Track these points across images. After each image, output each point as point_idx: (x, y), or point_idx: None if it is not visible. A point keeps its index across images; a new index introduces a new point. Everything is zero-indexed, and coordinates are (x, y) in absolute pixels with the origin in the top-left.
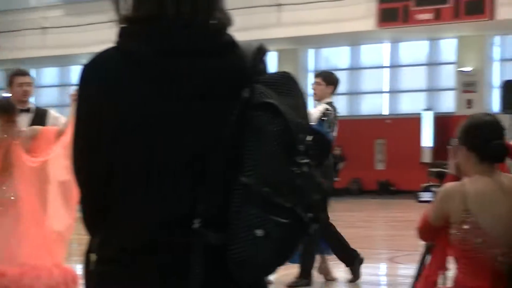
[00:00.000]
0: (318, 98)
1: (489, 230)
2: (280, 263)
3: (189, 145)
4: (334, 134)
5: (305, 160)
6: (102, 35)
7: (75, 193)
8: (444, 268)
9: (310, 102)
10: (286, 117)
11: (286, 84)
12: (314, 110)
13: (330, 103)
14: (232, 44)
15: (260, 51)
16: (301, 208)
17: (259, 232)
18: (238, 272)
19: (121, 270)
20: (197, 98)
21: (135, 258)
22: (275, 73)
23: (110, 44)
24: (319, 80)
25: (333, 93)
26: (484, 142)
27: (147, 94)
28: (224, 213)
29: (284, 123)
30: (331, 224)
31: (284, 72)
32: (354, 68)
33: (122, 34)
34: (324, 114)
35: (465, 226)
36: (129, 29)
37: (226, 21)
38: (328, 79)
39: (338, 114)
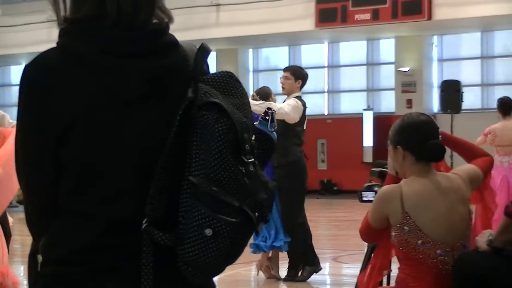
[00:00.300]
0: (287, 92)
1: (429, 231)
2: (229, 262)
3: (135, 145)
4: (304, 127)
5: (251, 159)
6: (40, 35)
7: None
8: (387, 268)
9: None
10: (232, 116)
11: (229, 83)
12: (284, 104)
13: (299, 97)
14: (174, 44)
15: (203, 51)
16: (249, 207)
17: (207, 232)
18: (189, 272)
19: (70, 271)
20: (142, 98)
21: (84, 260)
22: (217, 73)
23: (48, 44)
24: (287, 74)
25: (301, 87)
26: (420, 142)
27: (92, 95)
28: (172, 213)
29: (229, 122)
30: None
31: (226, 72)
32: None
33: (65, 34)
34: (267, 113)
35: (405, 228)
36: (72, 29)
37: (167, 21)
38: (296, 73)
39: (306, 106)
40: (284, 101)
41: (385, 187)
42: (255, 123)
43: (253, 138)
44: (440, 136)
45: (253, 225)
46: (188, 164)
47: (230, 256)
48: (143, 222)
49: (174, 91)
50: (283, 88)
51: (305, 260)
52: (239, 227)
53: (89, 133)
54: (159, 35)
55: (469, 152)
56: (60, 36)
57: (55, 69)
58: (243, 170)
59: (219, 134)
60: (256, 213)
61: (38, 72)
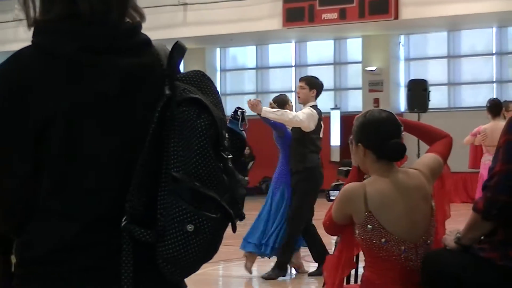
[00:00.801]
0: (302, 102)
1: (392, 230)
2: (207, 258)
3: (114, 143)
4: (321, 135)
5: (230, 156)
6: (7, 34)
7: None
8: (352, 265)
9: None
10: (213, 112)
11: (202, 82)
12: (299, 112)
13: (314, 106)
14: (147, 43)
15: (179, 49)
16: (227, 203)
17: (189, 227)
18: (168, 269)
19: (46, 271)
20: (119, 95)
21: (62, 259)
22: (190, 72)
23: (15, 43)
24: (302, 84)
25: (316, 97)
26: (380, 141)
27: (71, 92)
28: (152, 210)
29: (211, 118)
30: (313, 225)
31: (199, 71)
32: (262, 68)
33: (40, 32)
34: (237, 113)
35: (369, 227)
36: (48, 27)
37: (140, 20)
38: (311, 83)
39: (322, 115)
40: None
41: (348, 186)
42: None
43: (227, 135)
44: (402, 133)
45: (231, 220)
46: (166, 160)
47: (209, 252)
48: (123, 219)
49: (149, 88)
50: (298, 97)
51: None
52: (219, 223)
53: (69, 131)
54: (133, 34)
55: (428, 135)
56: (35, 35)
57: (32, 69)
58: (222, 167)
59: (201, 130)
60: (232, 210)
61: (14, 71)
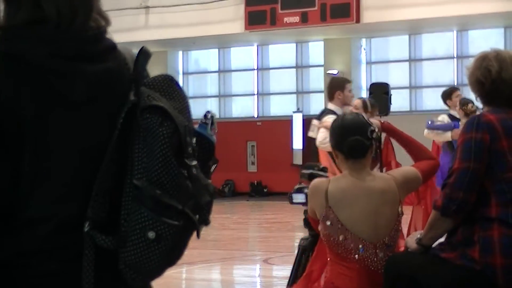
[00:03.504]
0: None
1: (350, 227)
2: (170, 264)
3: (80, 147)
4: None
5: (194, 163)
6: None
7: None
8: (326, 263)
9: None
10: (175, 120)
11: (170, 87)
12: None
13: None
14: (113, 47)
15: (145, 55)
16: (191, 210)
17: (151, 235)
18: (130, 275)
19: (14, 274)
20: (86, 101)
21: (28, 263)
22: (158, 76)
23: None
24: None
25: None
26: (340, 139)
27: (40, 98)
28: (115, 216)
29: (173, 125)
30: None
31: (167, 75)
32: (224, 71)
33: (7, 38)
34: (206, 117)
35: (328, 222)
36: (15, 33)
37: (105, 24)
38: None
39: None
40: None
41: (314, 181)
42: (195, 126)
43: (194, 141)
44: (370, 132)
45: (195, 227)
46: (130, 167)
47: (171, 259)
48: (86, 225)
49: (116, 94)
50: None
51: None
52: (181, 230)
53: (36, 137)
54: (100, 39)
55: (416, 152)
56: (1, 41)
57: (1, 75)
58: (186, 173)
59: (163, 137)
60: (197, 216)
61: None
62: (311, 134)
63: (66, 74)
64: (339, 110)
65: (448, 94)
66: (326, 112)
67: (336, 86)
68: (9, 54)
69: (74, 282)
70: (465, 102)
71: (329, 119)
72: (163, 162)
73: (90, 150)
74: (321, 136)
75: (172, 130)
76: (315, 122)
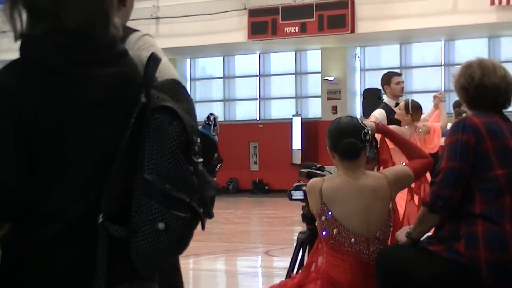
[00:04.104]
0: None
1: (343, 222)
2: (177, 254)
3: (95, 145)
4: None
5: (200, 160)
6: None
7: None
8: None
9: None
10: (183, 120)
11: (177, 90)
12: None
13: None
14: (125, 53)
15: (155, 61)
16: (196, 203)
17: (160, 226)
18: (140, 263)
19: (31, 264)
20: (102, 103)
21: (44, 255)
22: (165, 80)
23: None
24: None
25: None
26: (336, 142)
27: (56, 100)
28: (126, 208)
29: (181, 125)
30: None
31: (173, 79)
32: (228, 77)
33: (28, 45)
34: (209, 119)
35: (323, 218)
36: (35, 41)
37: (117, 33)
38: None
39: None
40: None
41: (311, 181)
42: (199, 127)
43: (199, 140)
44: (364, 134)
45: (200, 220)
46: (140, 163)
47: (178, 248)
48: (100, 216)
49: (128, 96)
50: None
51: None
52: (188, 222)
53: (54, 136)
54: (113, 45)
55: (409, 152)
56: (23, 48)
57: (21, 80)
58: (192, 169)
59: (172, 136)
60: (202, 209)
61: (5, 82)
62: None
63: (83, 78)
64: (391, 102)
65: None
66: (381, 105)
67: (384, 81)
68: (29, 60)
69: (87, 272)
70: (460, 111)
71: (375, 113)
72: (172, 158)
73: (103, 149)
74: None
75: (181, 129)
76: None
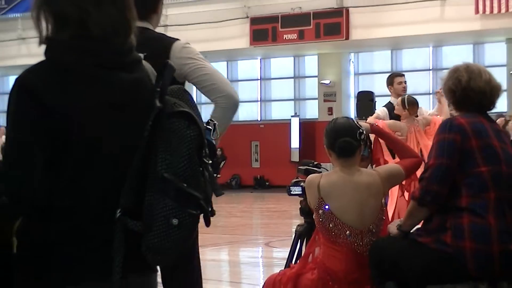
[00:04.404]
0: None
1: (339, 216)
2: (185, 248)
3: (115, 146)
4: None
5: (210, 161)
6: (10, 51)
7: None
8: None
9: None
10: (199, 124)
11: (184, 96)
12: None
13: None
14: (139, 61)
15: (170, 69)
16: (204, 201)
17: (174, 221)
18: (151, 255)
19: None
20: (119, 105)
21: (61, 247)
22: (174, 87)
23: (19, 59)
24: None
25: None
26: (332, 141)
27: (82, 101)
28: (140, 204)
29: (197, 129)
30: None
31: (180, 86)
32: (231, 81)
33: (55, 49)
34: (209, 124)
35: (320, 211)
36: (63, 45)
37: (135, 40)
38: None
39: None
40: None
41: (309, 177)
42: None
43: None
44: (359, 134)
45: (207, 217)
46: (153, 163)
47: (186, 243)
48: (117, 212)
49: (142, 100)
50: (404, 89)
51: None
52: (197, 219)
53: (77, 133)
54: (132, 52)
55: (401, 151)
56: (50, 51)
57: (49, 80)
58: (203, 170)
59: (190, 139)
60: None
61: (34, 81)
62: None
63: (105, 81)
64: (395, 101)
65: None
66: (386, 104)
67: (388, 82)
68: (55, 62)
69: (101, 265)
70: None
71: (378, 111)
72: (188, 159)
73: (119, 147)
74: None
75: (197, 133)
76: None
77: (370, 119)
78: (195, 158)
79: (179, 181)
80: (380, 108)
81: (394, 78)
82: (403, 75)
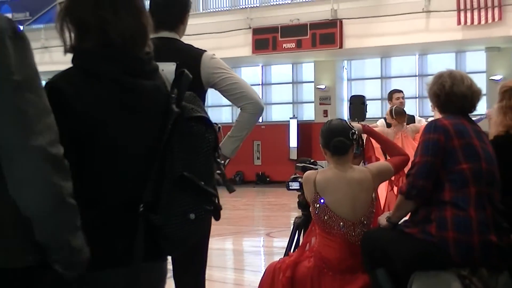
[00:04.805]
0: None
1: (334, 209)
2: (197, 240)
3: (137, 146)
4: None
5: (223, 161)
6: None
7: None
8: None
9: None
10: (215, 128)
11: (197, 101)
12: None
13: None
14: (156, 69)
15: (186, 78)
16: (217, 198)
17: (191, 216)
18: (167, 246)
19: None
20: (141, 109)
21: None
22: (187, 93)
23: (41, 66)
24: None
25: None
26: (327, 140)
27: (108, 104)
28: (159, 199)
29: (214, 132)
30: None
31: (191, 93)
32: None
33: (82, 56)
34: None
35: (316, 205)
36: (89, 53)
37: (151, 51)
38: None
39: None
40: None
41: (306, 173)
42: None
43: None
44: (351, 134)
45: (217, 212)
46: (170, 162)
47: (199, 235)
48: (140, 206)
49: (159, 104)
50: (401, 103)
51: None
52: (210, 214)
53: (102, 132)
54: (151, 61)
55: (390, 150)
56: (77, 58)
57: (78, 85)
58: (216, 169)
59: (208, 141)
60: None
61: (63, 86)
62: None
63: (131, 87)
64: None
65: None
66: (384, 118)
67: (388, 97)
68: (82, 69)
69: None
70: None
71: (378, 123)
72: (206, 160)
73: (139, 147)
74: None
75: (214, 136)
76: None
77: (354, 124)
78: (212, 158)
79: (197, 179)
80: (379, 120)
81: (393, 94)
82: (401, 91)
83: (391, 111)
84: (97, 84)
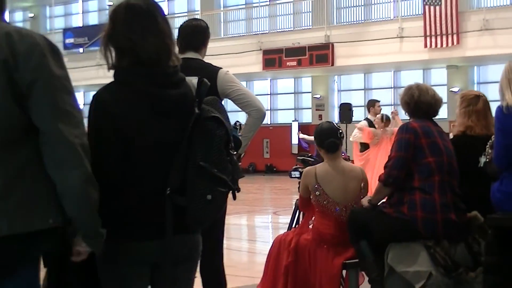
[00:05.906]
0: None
1: (331, 195)
2: (216, 217)
3: (162, 141)
4: None
5: (234, 153)
6: (91, 74)
7: None
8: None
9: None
10: (226, 126)
11: (217, 104)
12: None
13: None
14: (183, 79)
15: (205, 85)
16: (231, 182)
17: (209, 197)
18: (192, 222)
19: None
20: (168, 112)
21: (130, 215)
22: (209, 97)
23: (97, 80)
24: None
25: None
26: (321, 141)
27: (141, 110)
28: (183, 184)
29: (225, 129)
30: None
31: (214, 97)
32: None
33: (120, 73)
34: (236, 124)
35: (317, 193)
36: (126, 70)
37: (178, 63)
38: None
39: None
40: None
41: (306, 168)
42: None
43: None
44: (339, 134)
45: (233, 193)
46: (192, 154)
47: (217, 213)
48: (167, 190)
49: (186, 109)
50: (380, 110)
51: None
52: (226, 194)
53: (138, 132)
54: (176, 72)
55: None
56: (117, 74)
57: (117, 95)
58: (229, 159)
59: (219, 137)
60: (235, 186)
61: (106, 96)
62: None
63: (158, 96)
64: (372, 118)
65: (371, 104)
66: (364, 119)
67: (369, 105)
68: (121, 83)
69: (158, 228)
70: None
71: (362, 123)
72: (218, 151)
73: (167, 143)
74: (353, 133)
75: (224, 132)
76: (357, 124)
77: (362, 124)
78: (223, 150)
79: (211, 167)
80: (362, 122)
81: (375, 103)
82: (379, 101)
83: (382, 117)
84: (131, 93)
